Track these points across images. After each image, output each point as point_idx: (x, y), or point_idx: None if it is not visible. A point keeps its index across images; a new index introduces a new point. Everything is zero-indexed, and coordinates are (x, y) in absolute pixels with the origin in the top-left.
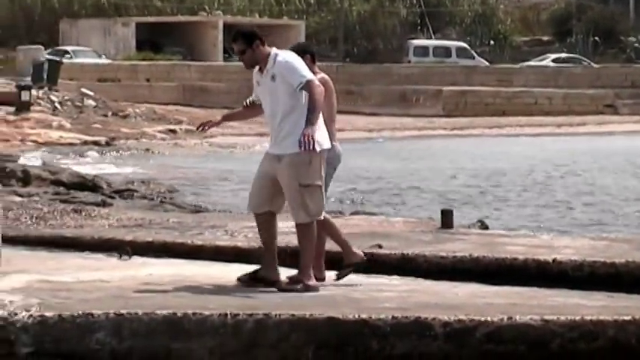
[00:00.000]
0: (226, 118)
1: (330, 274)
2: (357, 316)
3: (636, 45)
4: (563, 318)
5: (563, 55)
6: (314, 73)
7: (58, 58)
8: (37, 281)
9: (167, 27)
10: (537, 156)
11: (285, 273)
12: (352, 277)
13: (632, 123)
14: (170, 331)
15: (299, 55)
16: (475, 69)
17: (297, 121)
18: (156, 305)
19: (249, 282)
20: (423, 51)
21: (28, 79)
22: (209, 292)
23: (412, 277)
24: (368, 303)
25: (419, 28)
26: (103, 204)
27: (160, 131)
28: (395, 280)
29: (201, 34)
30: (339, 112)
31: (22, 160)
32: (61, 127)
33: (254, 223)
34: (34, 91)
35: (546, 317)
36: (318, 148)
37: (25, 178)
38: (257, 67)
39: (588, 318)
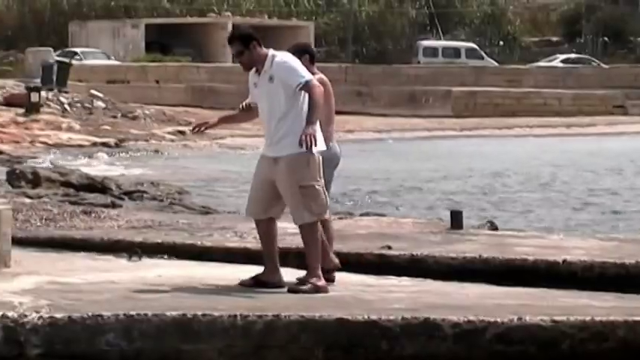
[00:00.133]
0: (222, 120)
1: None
2: (366, 317)
3: None
4: (573, 319)
5: (573, 55)
6: (312, 73)
7: (67, 60)
8: (47, 282)
9: (176, 28)
10: (546, 157)
11: (292, 274)
12: (363, 278)
13: None
14: (180, 332)
15: (298, 55)
16: (484, 70)
17: (294, 123)
18: (165, 306)
19: (252, 286)
20: (432, 52)
21: (38, 80)
22: (219, 293)
23: (422, 278)
24: (377, 304)
25: (428, 28)
26: (113, 205)
27: (169, 132)
28: (404, 281)
29: (210, 35)
30: (349, 113)
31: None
32: (70, 129)
33: None
34: (43, 93)
35: (556, 318)
36: (314, 149)
37: (35, 179)
38: (254, 69)
39: (598, 319)
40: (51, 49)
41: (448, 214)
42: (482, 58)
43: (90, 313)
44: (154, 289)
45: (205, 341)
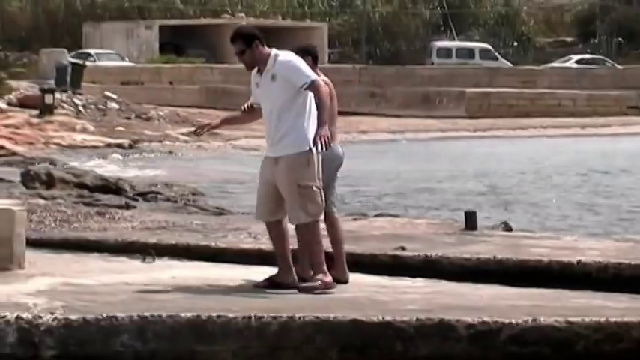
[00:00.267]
0: (225, 121)
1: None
2: (381, 317)
3: None
4: (587, 319)
5: (587, 56)
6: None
7: (81, 61)
8: (61, 284)
9: (190, 29)
10: (560, 157)
11: None
12: (378, 279)
13: None
14: (194, 333)
15: (301, 56)
16: (498, 70)
17: (295, 122)
18: (180, 308)
19: (266, 287)
20: (446, 52)
21: (52, 82)
22: (233, 294)
23: (436, 279)
24: (392, 305)
25: (442, 29)
26: (127, 207)
27: (182, 134)
28: (419, 282)
29: (224, 36)
30: (362, 113)
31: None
32: (84, 130)
33: None
34: (57, 95)
35: (571, 319)
36: (314, 149)
37: (49, 181)
38: (256, 69)
39: (613, 319)
40: (65, 50)
41: (462, 215)
42: (496, 59)
43: (104, 315)
44: (168, 290)
45: (220, 342)
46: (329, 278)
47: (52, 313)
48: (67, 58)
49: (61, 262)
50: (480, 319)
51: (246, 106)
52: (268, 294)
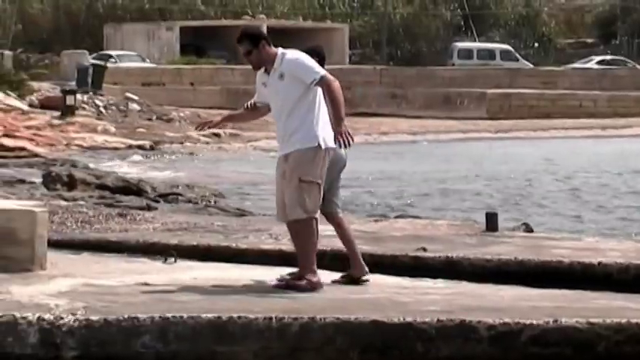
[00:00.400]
0: (227, 119)
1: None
2: (402, 319)
3: None
4: (608, 321)
5: (608, 57)
6: None
7: (102, 63)
8: (83, 285)
9: (211, 31)
10: (580, 158)
11: (328, 276)
12: (398, 280)
13: None
14: (215, 334)
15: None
16: (519, 71)
17: (304, 119)
18: (201, 309)
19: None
20: (467, 53)
21: (73, 83)
22: (254, 295)
23: (457, 280)
24: (413, 306)
25: (463, 30)
26: (148, 208)
27: (203, 135)
28: (440, 283)
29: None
30: (383, 114)
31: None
32: (105, 132)
33: None
34: (78, 96)
35: (592, 320)
36: (323, 145)
37: (71, 182)
38: (263, 69)
39: (634, 321)
40: (86, 51)
41: (483, 216)
42: (517, 60)
43: (125, 316)
44: (190, 291)
45: (240, 343)
46: (316, 278)
47: (73, 314)
48: (88, 59)
49: (82, 263)
50: (501, 321)
51: (249, 104)
52: (290, 295)
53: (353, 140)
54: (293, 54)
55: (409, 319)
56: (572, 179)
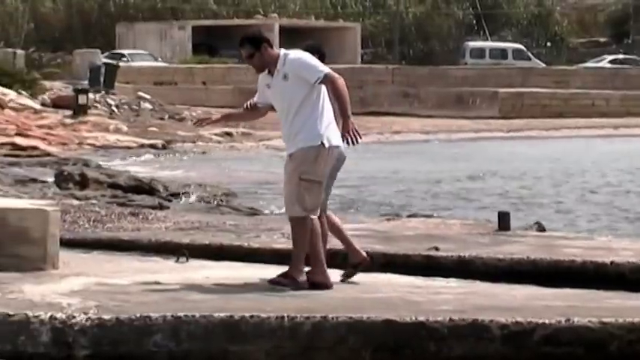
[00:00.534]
0: (225, 117)
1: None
2: (414, 318)
3: None
4: (621, 320)
5: (621, 56)
6: None
7: (114, 62)
8: (95, 284)
9: (223, 30)
10: (593, 157)
11: (339, 275)
12: (411, 280)
13: None
14: (227, 333)
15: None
16: (532, 71)
17: (308, 117)
18: (213, 308)
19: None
20: (479, 53)
21: (85, 82)
22: (266, 294)
23: (469, 280)
24: (425, 305)
25: (475, 29)
26: (160, 207)
27: (216, 134)
28: (452, 283)
29: None
30: (395, 114)
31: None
32: (117, 131)
33: None
34: (91, 95)
35: (604, 319)
36: (326, 144)
37: (83, 181)
38: (266, 70)
39: None
40: (98, 50)
41: (495, 215)
42: (530, 59)
43: (138, 315)
44: (202, 290)
45: (253, 342)
46: (303, 278)
47: (85, 313)
48: (101, 58)
49: (94, 262)
50: (514, 320)
51: (249, 103)
52: (302, 294)
53: (361, 137)
54: (295, 54)
55: (422, 318)
56: (584, 179)
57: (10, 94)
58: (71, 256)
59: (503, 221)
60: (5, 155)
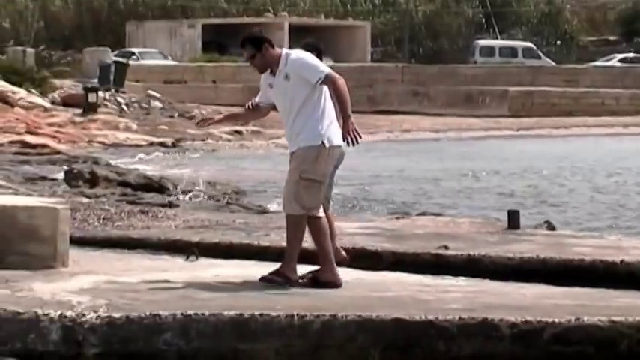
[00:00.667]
0: (228, 118)
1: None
2: (423, 316)
3: None
4: (631, 319)
5: (631, 55)
6: None
7: (124, 60)
8: (105, 282)
9: (233, 28)
10: (602, 156)
11: (348, 273)
12: (420, 278)
13: None
14: (237, 331)
15: (307, 51)
16: (541, 69)
17: (310, 117)
18: (223, 306)
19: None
20: (489, 51)
21: (95, 80)
22: (276, 293)
23: (479, 278)
24: (435, 304)
25: (485, 28)
26: (170, 205)
27: (225, 132)
28: (461, 281)
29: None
30: (405, 112)
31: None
32: (127, 129)
33: None
34: (100, 93)
35: (614, 318)
36: (327, 144)
37: (93, 179)
38: (268, 70)
39: None
40: (108, 49)
41: (505, 214)
42: (539, 58)
43: (147, 313)
44: (211, 288)
45: (262, 341)
46: (294, 277)
47: (95, 311)
48: (110, 56)
49: (104, 260)
50: (523, 319)
51: (251, 103)
52: (311, 293)
53: (361, 137)
54: (297, 54)
55: (431, 316)
56: (594, 177)
57: (21, 93)
58: (81, 254)
59: (513, 220)
60: (15, 153)
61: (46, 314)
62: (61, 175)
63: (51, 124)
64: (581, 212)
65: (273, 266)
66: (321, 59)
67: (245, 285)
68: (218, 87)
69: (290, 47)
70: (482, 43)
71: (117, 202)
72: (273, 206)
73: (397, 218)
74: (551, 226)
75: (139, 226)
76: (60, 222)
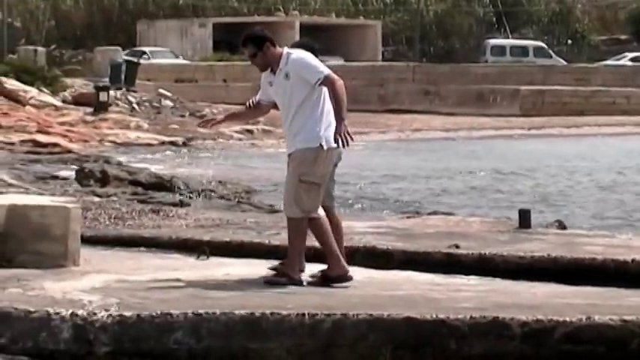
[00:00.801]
0: (229, 117)
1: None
2: (435, 316)
3: None
4: None
5: None
6: None
7: (135, 59)
8: (116, 281)
9: (244, 27)
10: (614, 155)
11: (359, 272)
12: (431, 277)
13: None
14: (248, 331)
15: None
16: (552, 68)
17: (308, 118)
18: (233, 305)
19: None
20: (500, 50)
21: (106, 80)
22: (286, 292)
23: (490, 277)
24: (446, 303)
25: (496, 27)
26: (181, 204)
27: (236, 132)
28: (473, 280)
29: (278, 34)
30: (416, 111)
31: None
32: (138, 128)
33: None
34: (112, 92)
35: (625, 317)
36: (325, 146)
37: (104, 178)
38: (269, 69)
39: None
40: (119, 48)
41: (516, 213)
42: (551, 57)
43: (158, 312)
44: (222, 287)
45: (273, 340)
46: (297, 277)
47: (106, 310)
48: (122, 55)
49: (115, 259)
50: (535, 318)
51: (251, 101)
52: (322, 291)
53: (352, 140)
54: (298, 54)
55: (442, 316)
56: (605, 176)
57: (32, 92)
58: (92, 253)
59: (524, 219)
60: (26, 152)
61: (57, 313)
62: (72, 174)
63: (62, 123)
64: (592, 211)
65: None
66: (316, 57)
67: (256, 284)
68: (229, 86)
69: None
70: (494, 42)
71: (128, 201)
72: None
73: (408, 217)
74: (562, 225)
75: (150, 225)
76: (71, 221)
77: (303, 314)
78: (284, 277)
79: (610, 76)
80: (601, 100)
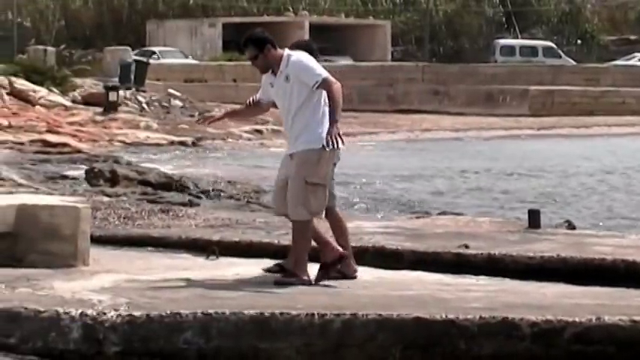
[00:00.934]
0: (228, 114)
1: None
2: (444, 316)
3: None
4: None
5: None
6: None
7: (145, 59)
8: (125, 281)
9: (253, 27)
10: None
11: (368, 272)
12: (441, 277)
13: None
14: (257, 330)
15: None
16: (562, 68)
17: (309, 120)
18: (243, 305)
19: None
20: (509, 50)
21: (116, 79)
22: (296, 292)
23: (499, 278)
24: (455, 303)
25: (505, 27)
26: (190, 204)
27: (246, 131)
28: (482, 281)
29: (288, 34)
30: (426, 111)
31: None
32: (148, 128)
33: None
34: (121, 92)
35: (635, 318)
36: (327, 147)
37: (113, 178)
38: (270, 70)
39: None
40: (129, 48)
41: (525, 213)
42: (560, 57)
43: (168, 312)
44: (232, 287)
45: (283, 340)
46: (307, 277)
47: (115, 310)
48: (131, 55)
49: (124, 259)
50: (544, 318)
51: (251, 100)
52: (332, 291)
53: (343, 143)
54: (298, 56)
55: (451, 316)
56: (614, 176)
57: (41, 91)
58: (101, 252)
59: (534, 219)
60: (36, 152)
61: (67, 313)
62: (81, 174)
63: (71, 123)
64: (601, 211)
65: None
66: (315, 58)
67: (265, 284)
68: (238, 86)
69: None
70: (503, 42)
71: (137, 200)
72: None
73: (417, 217)
74: (571, 226)
75: (160, 224)
76: (81, 221)
77: (313, 314)
78: (294, 278)
79: (620, 76)
80: (610, 101)
